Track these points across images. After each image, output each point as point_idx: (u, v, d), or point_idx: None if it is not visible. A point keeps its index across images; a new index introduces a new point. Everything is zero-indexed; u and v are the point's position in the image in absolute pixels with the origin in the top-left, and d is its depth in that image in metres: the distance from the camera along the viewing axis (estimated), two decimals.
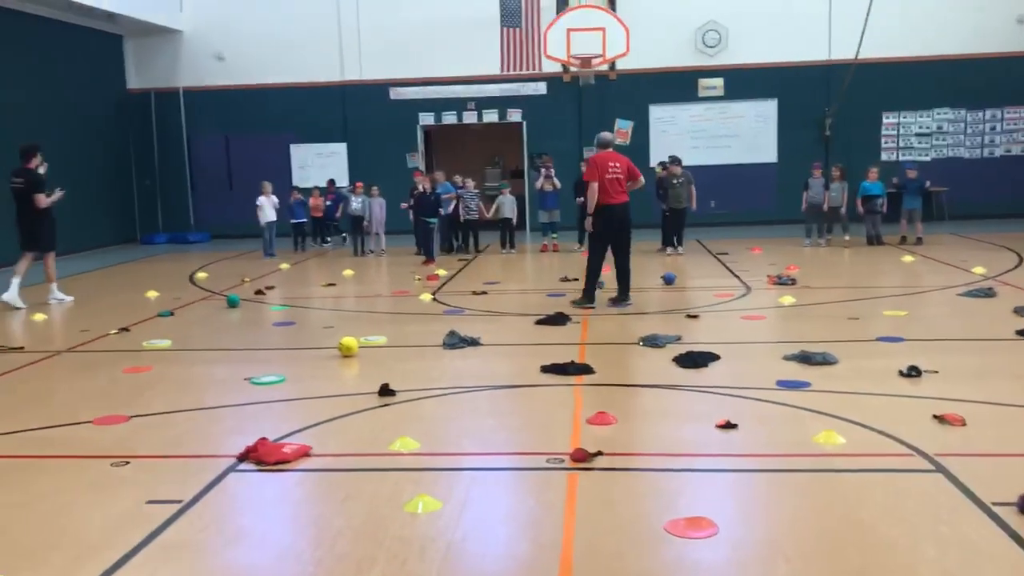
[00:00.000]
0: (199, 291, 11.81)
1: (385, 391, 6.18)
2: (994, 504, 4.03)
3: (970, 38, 17.89)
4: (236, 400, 6.30)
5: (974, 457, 4.68)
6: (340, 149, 19.51)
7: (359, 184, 16.02)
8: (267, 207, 15.86)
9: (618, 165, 9.51)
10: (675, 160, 14.72)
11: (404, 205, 15.34)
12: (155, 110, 19.67)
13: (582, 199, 11.73)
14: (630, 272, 9.78)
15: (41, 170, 10.85)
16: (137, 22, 18.27)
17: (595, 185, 9.39)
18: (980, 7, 17.86)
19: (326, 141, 19.49)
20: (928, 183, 14.95)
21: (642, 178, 9.79)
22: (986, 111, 18.39)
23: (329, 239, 17.24)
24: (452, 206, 15.18)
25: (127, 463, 4.96)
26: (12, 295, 10.56)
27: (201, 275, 13.39)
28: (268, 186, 16.02)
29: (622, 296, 9.69)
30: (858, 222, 15.14)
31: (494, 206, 15.54)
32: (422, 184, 14.87)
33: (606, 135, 9.92)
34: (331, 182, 17.51)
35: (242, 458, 4.93)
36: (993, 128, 18.46)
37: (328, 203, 16.93)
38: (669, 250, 14.47)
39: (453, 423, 5.64)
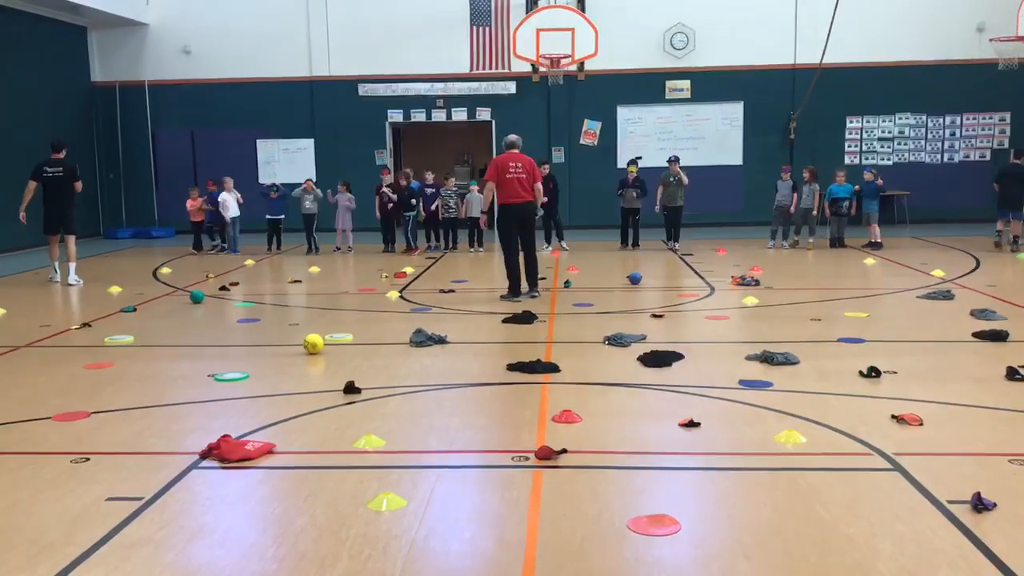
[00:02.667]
0: (163, 286, 11.68)
1: (350, 388, 6.16)
2: (949, 502, 4.11)
3: (931, 45, 18.20)
4: (199, 397, 6.25)
5: (931, 456, 4.77)
6: (307, 145, 19.39)
7: (308, 181, 15.82)
8: (230, 203, 15.49)
9: (520, 165, 10.02)
10: (674, 159, 15.31)
11: (390, 204, 15.19)
12: (120, 103, 19.42)
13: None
14: (537, 264, 10.43)
15: None
16: (102, 14, 18.04)
17: (491, 184, 10.00)
18: (941, 15, 18.16)
19: (293, 137, 19.36)
20: (878, 182, 15.24)
21: (539, 184, 10.23)
22: (946, 117, 18.73)
23: (216, 243, 15.84)
24: (420, 205, 15.37)
25: (87, 460, 4.90)
26: (74, 277, 11.85)
27: (165, 270, 13.24)
28: (229, 181, 15.62)
29: (531, 287, 10.24)
30: (824, 224, 15.35)
31: (463, 205, 15.54)
32: (402, 180, 15.18)
33: (511, 137, 10.41)
34: (211, 182, 15.99)
35: (205, 455, 4.89)
36: (953, 134, 18.80)
37: (225, 200, 15.39)
38: (671, 245, 15.10)
39: (419, 421, 5.63)
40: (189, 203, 15.74)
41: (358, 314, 9.59)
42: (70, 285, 11.68)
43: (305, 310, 9.97)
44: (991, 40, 16.87)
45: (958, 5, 18.16)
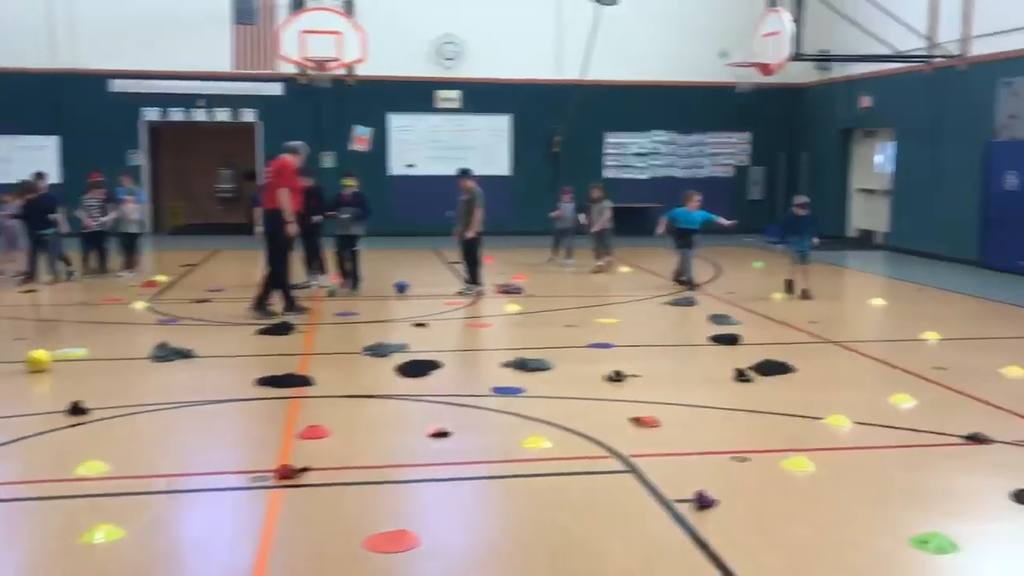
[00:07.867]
0: None
1: (76, 409, 5.64)
2: (676, 501, 4.31)
3: (681, 67, 19.42)
4: None
5: (663, 457, 5.00)
6: (50, 143, 17.80)
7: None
8: None
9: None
10: (462, 172, 11.05)
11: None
12: None
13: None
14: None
15: None
16: None
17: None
18: (689, 39, 19.42)
19: (34, 133, 17.70)
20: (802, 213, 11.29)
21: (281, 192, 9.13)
22: (694, 135, 20.10)
23: None
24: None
25: None
26: None
27: None
28: None
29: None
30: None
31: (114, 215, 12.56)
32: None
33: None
34: None
35: None
36: (700, 151, 20.20)
37: None
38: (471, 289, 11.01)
39: (151, 442, 5.24)
40: None
41: (98, 327, 8.85)
42: None
43: (36, 323, 9.08)
44: (728, 65, 18.22)
45: (703, 31, 19.51)
